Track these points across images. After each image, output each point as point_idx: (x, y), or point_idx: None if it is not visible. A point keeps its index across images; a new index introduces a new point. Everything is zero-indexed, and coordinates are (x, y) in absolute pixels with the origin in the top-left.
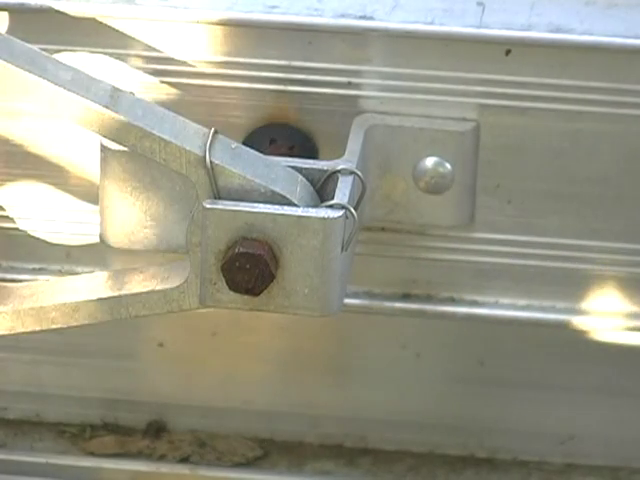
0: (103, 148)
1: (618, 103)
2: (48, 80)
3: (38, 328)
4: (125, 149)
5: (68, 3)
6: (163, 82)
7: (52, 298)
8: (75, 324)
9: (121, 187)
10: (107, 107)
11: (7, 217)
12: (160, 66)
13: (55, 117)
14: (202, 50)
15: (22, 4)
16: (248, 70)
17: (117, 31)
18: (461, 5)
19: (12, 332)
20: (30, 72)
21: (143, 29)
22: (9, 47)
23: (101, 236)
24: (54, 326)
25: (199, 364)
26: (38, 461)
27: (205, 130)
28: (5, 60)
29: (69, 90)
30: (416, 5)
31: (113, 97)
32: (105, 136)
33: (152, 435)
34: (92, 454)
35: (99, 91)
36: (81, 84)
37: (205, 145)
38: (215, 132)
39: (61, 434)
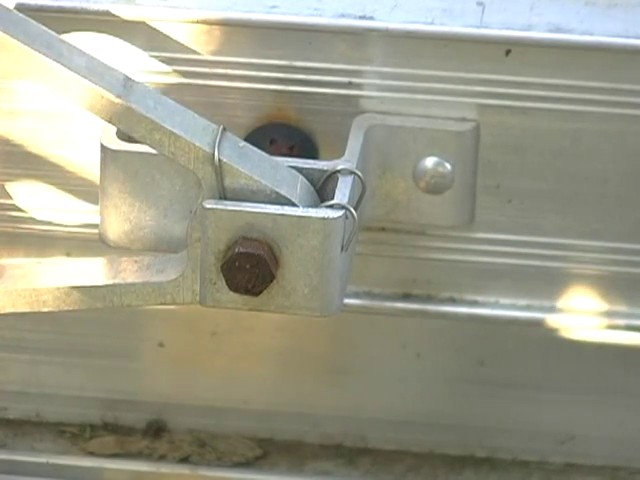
0: (103, 148)
1: (618, 103)
2: (63, 65)
3: (29, 310)
4: (125, 149)
5: (67, 3)
6: (163, 82)
7: (45, 281)
8: (67, 309)
9: (121, 187)
10: (120, 96)
11: (7, 217)
12: (160, 66)
13: (67, 102)
14: (202, 50)
15: (22, 4)
16: (248, 70)
17: (117, 31)
18: (461, 5)
19: (2, 312)
20: (46, 55)
21: (143, 29)
22: (25, 29)
23: (101, 236)
24: (45, 309)
25: (199, 364)
26: (38, 461)
27: (214, 126)
28: (21, 42)
29: (83, 76)
30: (416, 5)
31: (126, 87)
32: (115, 125)
33: (152, 435)
34: (92, 454)
35: (112, 79)
36: (95, 71)
37: (214, 142)
38: (224, 129)
39: (61, 434)
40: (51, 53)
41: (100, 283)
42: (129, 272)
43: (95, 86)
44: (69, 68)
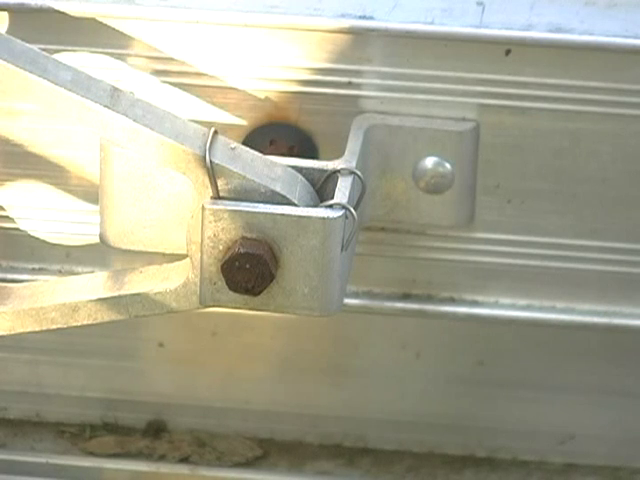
0: (103, 148)
1: (618, 103)
2: (48, 80)
3: (38, 328)
4: (125, 149)
5: (68, 3)
6: (163, 82)
7: (52, 298)
8: (75, 324)
9: (121, 187)
10: (107, 107)
11: (7, 217)
12: (160, 66)
13: (55, 117)
14: (202, 50)
15: (22, 4)
16: (248, 70)
17: (117, 31)
18: (461, 5)
19: (12, 332)
20: (30, 72)
21: (143, 29)
22: (9, 47)
23: (101, 236)
24: (54, 326)
25: (199, 364)
26: (38, 461)
27: (205, 130)
28: (5, 60)
29: (69, 90)
30: (416, 5)
31: (113, 97)
32: (105, 136)
33: (152, 435)
34: (92, 454)
35: (99, 91)
36: (81, 84)
37: (205, 145)
38: (215, 132)
39: (61, 434)
40: (36, 69)
41: (106, 295)
42: (134, 283)
43: (82, 99)
44: (55, 83)
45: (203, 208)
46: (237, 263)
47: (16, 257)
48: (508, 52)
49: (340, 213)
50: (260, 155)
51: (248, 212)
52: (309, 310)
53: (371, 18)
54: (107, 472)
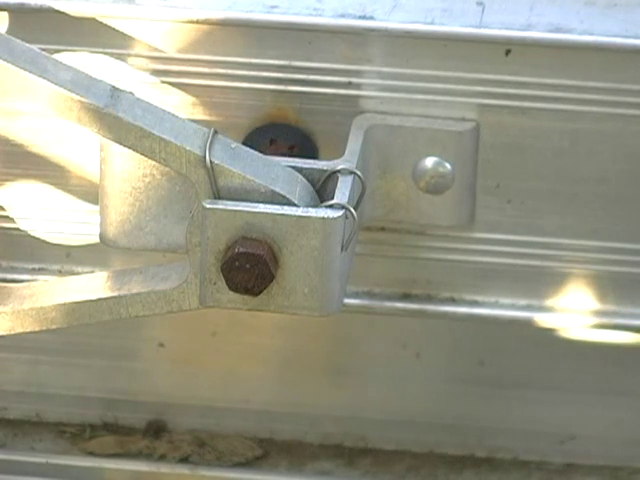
0: (103, 148)
1: (618, 103)
2: (48, 80)
3: (38, 328)
4: (125, 149)
5: (68, 3)
6: (163, 82)
7: (52, 298)
8: (75, 324)
9: (121, 187)
10: (107, 107)
11: (7, 217)
12: (160, 66)
13: (55, 117)
14: (202, 50)
15: (22, 4)
16: (248, 70)
17: (117, 31)
18: (461, 5)
19: (12, 332)
20: (30, 72)
21: (143, 29)
22: (9, 47)
23: (101, 236)
24: (54, 326)
25: (199, 364)
26: (38, 461)
27: (205, 130)
28: (5, 60)
29: (69, 90)
30: (416, 5)
31: (113, 97)
32: (105, 136)
33: (152, 435)
34: (92, 454)
35: (99, 91)
36: (81, 84)
37: (205, 145)
38: (215, 132)
39: (61, 434)
40: (36, 69)
41: (106, 295)
42: (134, 283)
43: (82, 99)
44: (55, 83)
45: (203, 208)
46: (237, 263)
47: (16, 257)
48: (508, 52)
49: (340, 213)
50: (260, 155)
51: (248, 212)
52: (309, 310)
53: (371, 18)
54: (107, 472)
